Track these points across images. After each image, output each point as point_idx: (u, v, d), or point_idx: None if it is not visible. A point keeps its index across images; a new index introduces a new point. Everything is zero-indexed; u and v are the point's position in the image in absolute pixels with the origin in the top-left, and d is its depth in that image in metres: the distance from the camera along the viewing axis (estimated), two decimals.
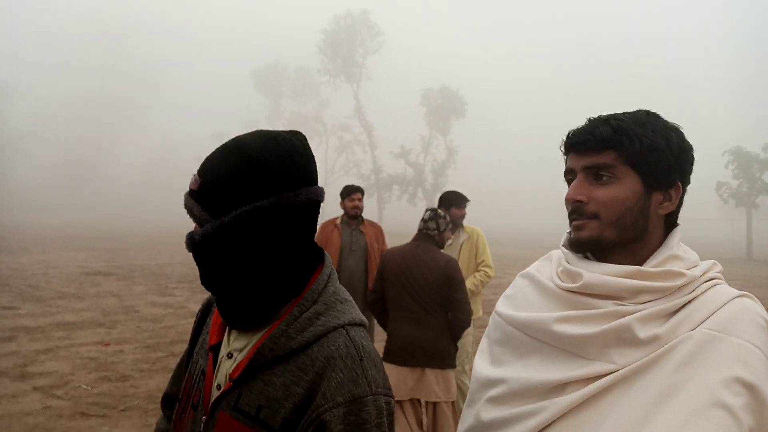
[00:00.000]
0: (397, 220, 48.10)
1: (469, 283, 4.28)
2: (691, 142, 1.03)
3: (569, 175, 1.06)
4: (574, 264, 1.04)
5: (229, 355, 1.01)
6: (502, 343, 1.10)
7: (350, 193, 4.72)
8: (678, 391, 0.85)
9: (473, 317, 4.09)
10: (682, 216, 1.08)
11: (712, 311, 0.92)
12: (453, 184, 39.97)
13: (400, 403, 3.33)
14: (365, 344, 0.98)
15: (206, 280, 1.02)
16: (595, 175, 1.01)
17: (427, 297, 3.32)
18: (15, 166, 63.59)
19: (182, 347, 6.45)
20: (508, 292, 1.18)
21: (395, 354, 3.35)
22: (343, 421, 0.89)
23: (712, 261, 1.03)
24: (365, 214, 4.87)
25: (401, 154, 46.84)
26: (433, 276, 3.32)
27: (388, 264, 3.48)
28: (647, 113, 1.04)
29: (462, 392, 4.17)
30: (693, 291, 0.95)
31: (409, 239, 3.84)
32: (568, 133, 1.06)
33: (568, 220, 1.06)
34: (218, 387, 1.01)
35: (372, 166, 49.09)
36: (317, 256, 1.06)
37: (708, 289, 0.96)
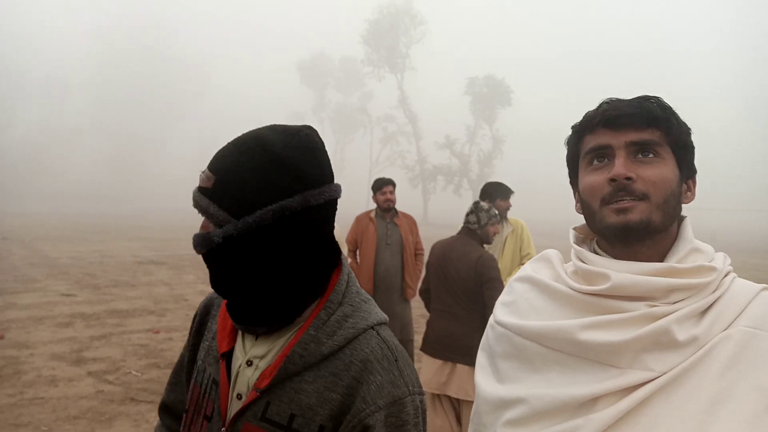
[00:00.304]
0: (441, 211, 47.80)
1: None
2: None
3: (594, 152, 0.95)
4: (591, 263, 0.95)
5: (249, 363, 0.96)
6: (510, 357, 0.99)
7: (382, 186, 4.67)
8: (730, 396, 0.79)
9: None
10: None
11: (743, 307, 0.85)
12: (500, 174, 39.31)
13: (438, 396, 3.28)
14: (396, 344, 0.97)
15: (221, 285, 0.96)
16: (641, 152, 0.92)
17: (460, 292, 3.26)
18: (73, 160, 66.53)
19: None
20: (505, 299, 1.08)
21: (430, 346, 3.36)
22: (385, 424, 0.88)
23: (722, 253, 0.96)
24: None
25: (446, 144, 46.44)
26: (466, 271, 3.24)
27: (431, 256, 3.49)
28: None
29: None
30: (719, 287, 0.89)
31: (453, 231, 3.78)
32: (602, 107, 0.96)
33: (589, 209, 0.95)
34: (239, 397, 0.96)
35: (416, 157, 48.87)
36: (336, 254, 1.02)
37: (730, 283, 0.89)
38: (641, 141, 0.91)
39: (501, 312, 1.05)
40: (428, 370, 3.31)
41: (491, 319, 1.08)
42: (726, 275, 0.91)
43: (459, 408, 3.30)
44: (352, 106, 59.87)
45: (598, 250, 0.99)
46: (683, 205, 0.97)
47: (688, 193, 0.96)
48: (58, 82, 70.73)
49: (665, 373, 0.82)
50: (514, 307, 1.03)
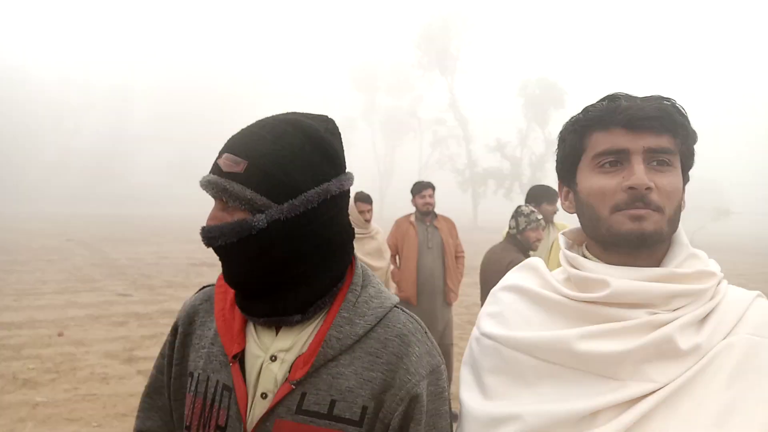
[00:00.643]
0: (491, 216, 47.16)
1: None
2: None
3: (608, 155, 0.87)
4: (588, 270, 0.88)
5: (273, 359, 0.93)
6: (498, 371, 0.93)
7: (421, 189, 4.61)
8: (739, 407, 0.76)
9: None
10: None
11: (740, 314, 0.84)
12: (552, 178, 37.98)
13: None
14: (418, 318, 1.02)
15: (247, 276, 0.92)
16: (656, 159, 0.85)
17: None
18: (137, 165, 69.65)
19: None
20: (491, 309, 1.02)
21: None
22: (428, 392, 0.92)
23: (713, 259, 0.93)
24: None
25: (497, 147, 45.77)
26: (497, 278, 3.13)
27: (481, 263, 3.44)
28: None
29: None
30: (716, 293, 0.86)
31: (502, 237, 3.71)
32: (619, 104, 0.87)
33: (591, 214, 0.90)
34: (263, 396, 0.92)
35: (466, 161, 48.39)
36: (352, 240, 1.03)
37: (726, 289, 0.87)
38: (659, 148, 0.85)
39: (487, 323, 1.00)
40: None
41: (475, 332, 1.03)
42: (720, 282, 0.88)
43: None
44: (402, 110, 59.92)
45: (589, 256, 0.93)
46: None
47: (683, 199, 0.92)
48: (122, 92, 74.26)
49: (668, 384, 0.79)
50: (502, 318, 0.97)
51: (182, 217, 38.60)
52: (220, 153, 0.92)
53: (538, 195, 4.14)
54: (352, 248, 1.02)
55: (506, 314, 0.97)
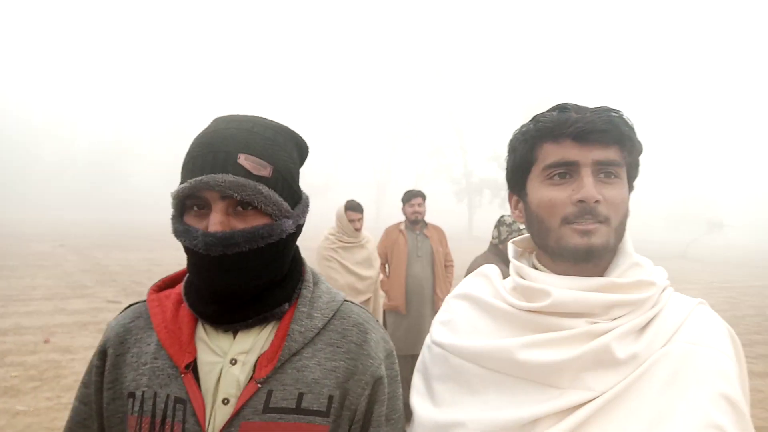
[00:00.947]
0: (486, 225, 47.26)
1: None
2: None
3: (557, 167, 0.88)
4: (532, 279, 0.89)
5: (233, 362, 0.91)
6: (446, 379, 0.95)
7: (410, 198, 4.59)
8: (670, 414, 0.78)
9: None
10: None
11: (680, 322, 0.85)
12: None
13: None
14: (367, 309, 1.08)
15: (254, 282, 0.90)
16: (604, 172, 0.87)
17: None
18: (133, 171, 69.57)
19: None
20: (442, 317, 1.04)
21: None
22: (387, 375, 0.98)
23: (661, 267, 0.95)
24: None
25: (493, 157, 45.92)
26: None
27: (466, 271, 3.38)
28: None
29: None
30: (658, 302, 0.88)
31: None
32: (568, 116, 0.88)
33: (533, 227, 0.92)
34: (225, 401, 0.89)
35: (463, 170, 48.49)
36: None
37: (668, 298, 0.89)
38: (607, 161, 0.87)
39: (438, 331, 1.01)
40: None
41: (428, 339, 1.04)
42: (664, 290, 0.90)
43: None
44: (398, 119, 60.09)
45: (538, 265, 0.94)
46: None
47: (628, 210, 0.95)
48: (117, 98, 74.39)
49: (605, 393, 0.81)
50: (452, 326, 0.99)
51: None
52: (228, 152, 0.86)
53: None
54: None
55: (456, 322, 0.98)
